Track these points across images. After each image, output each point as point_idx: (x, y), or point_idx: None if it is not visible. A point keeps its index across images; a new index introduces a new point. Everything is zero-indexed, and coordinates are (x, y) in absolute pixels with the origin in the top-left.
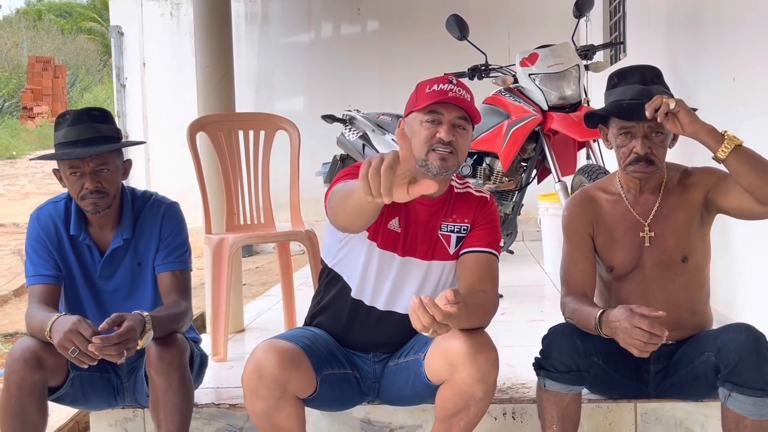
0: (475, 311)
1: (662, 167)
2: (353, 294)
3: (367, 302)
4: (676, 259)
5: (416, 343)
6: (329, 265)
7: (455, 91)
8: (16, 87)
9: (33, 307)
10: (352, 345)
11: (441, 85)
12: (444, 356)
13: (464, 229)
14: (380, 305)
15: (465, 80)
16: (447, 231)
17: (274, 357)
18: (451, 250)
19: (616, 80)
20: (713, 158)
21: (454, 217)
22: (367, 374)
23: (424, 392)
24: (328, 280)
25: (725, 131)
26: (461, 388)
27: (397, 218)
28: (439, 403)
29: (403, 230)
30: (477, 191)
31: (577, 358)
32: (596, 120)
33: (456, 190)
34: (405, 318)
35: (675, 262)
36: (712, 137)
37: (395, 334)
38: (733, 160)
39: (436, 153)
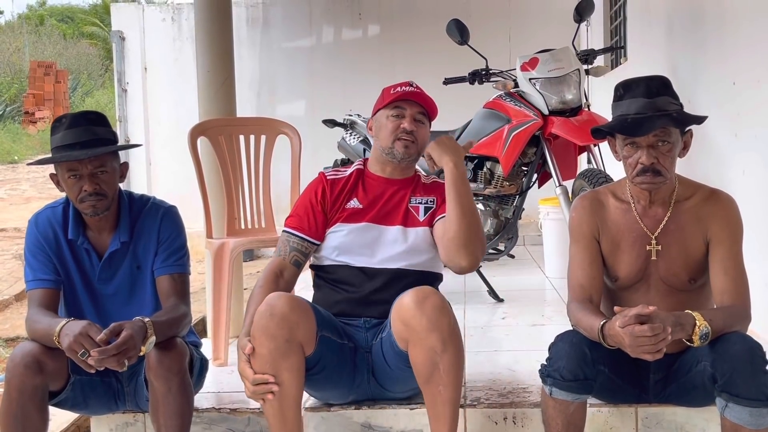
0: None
1: (671, 177)
2: (337, 258)
3: (352, 263)
4: (683, 279)
5: None
6: (314, 264)
7: (415, 91)
8: (18, 92)
9: (34, 312)
10: (343, 311)
11: (403, 87)
12: (399, 317)
13: (431, 201)
14: (362, 264)
15: (465, 84)
16: (416, 203)
17: (285, 299)
18: (421, 218)
19: (621, 92)
20: (687, 340)
21: (421, 194)
22: (360, 342)
23: (403, 363)
24: (316, 275)
25: (695, 323)
26: (419, 344)
27: (355, 198)
28: (413, 369)
29: (366, 204)
30: (443, 181)
31: (585, 366)
32: (602, 134)
33: (423, 180)
34: (392, 275)
35: (681, 282)
36: (685, 333)
37: (383, 292)
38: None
39: (401, 141)
